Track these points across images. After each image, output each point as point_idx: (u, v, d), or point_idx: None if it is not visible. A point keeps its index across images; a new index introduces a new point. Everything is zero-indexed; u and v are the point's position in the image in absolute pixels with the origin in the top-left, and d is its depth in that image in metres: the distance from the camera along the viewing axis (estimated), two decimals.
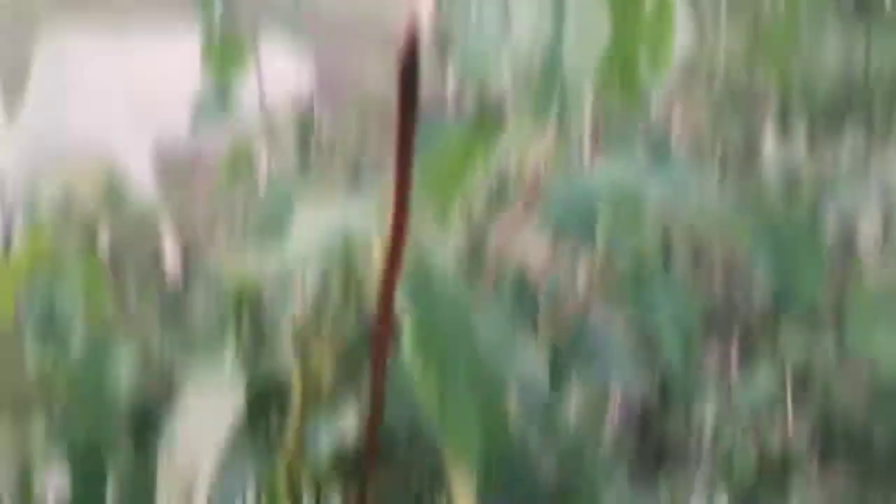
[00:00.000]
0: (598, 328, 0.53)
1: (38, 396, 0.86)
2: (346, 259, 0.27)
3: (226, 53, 0.88)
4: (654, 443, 0.74)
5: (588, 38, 0.34)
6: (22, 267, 0.57)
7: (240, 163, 0.99)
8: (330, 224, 0.27)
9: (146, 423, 0.61)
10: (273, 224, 0.49)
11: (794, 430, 0.76)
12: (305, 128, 0.92)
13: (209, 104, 0.81)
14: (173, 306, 0.66)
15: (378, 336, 0.25)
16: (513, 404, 0.35)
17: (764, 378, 0.79)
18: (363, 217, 0.26)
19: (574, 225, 0.48)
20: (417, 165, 0.46)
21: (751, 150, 1.07)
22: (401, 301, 0.25)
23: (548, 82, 0.36)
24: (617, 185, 0.39)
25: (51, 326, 0.64)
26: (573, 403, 0.56)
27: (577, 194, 0.41)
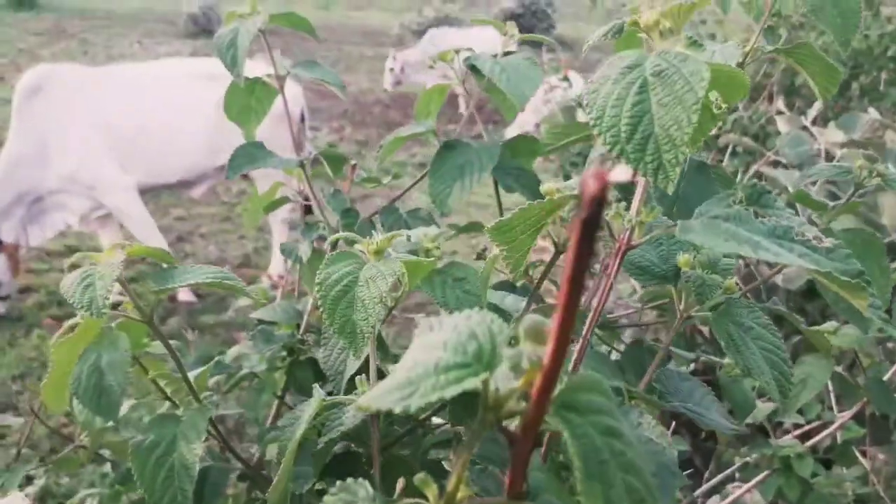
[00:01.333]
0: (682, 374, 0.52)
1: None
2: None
3: (248, 100, 0.87)
4: None
5: (680, 106, 0.33)
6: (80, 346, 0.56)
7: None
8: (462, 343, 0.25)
9: None
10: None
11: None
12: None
13: (246, 152, 0.80)
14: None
15: (519, 454, 0.24)
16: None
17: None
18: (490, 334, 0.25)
19: (658, 269, 0.47)
20: (494, 231, 0.44)
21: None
22: (555, 422, 0.23)
23: (641, 146, 0.35)
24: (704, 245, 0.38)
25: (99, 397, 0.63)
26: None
27: (665, 249, 0.40)
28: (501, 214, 0.91)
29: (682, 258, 0.47)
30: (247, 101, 0.88)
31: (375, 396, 0.24)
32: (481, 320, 0.26)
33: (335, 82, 0.88)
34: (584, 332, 0.44)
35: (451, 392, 0.23)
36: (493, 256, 0.53)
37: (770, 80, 3.54)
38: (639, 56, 0.37)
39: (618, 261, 0.42)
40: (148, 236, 3.95)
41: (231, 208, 5.79)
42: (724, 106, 0.40)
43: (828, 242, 0.38)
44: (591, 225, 0.21)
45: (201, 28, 13.28)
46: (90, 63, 10.97)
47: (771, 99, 3.54)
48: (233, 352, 1.18)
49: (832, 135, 2.07)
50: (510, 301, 0.66)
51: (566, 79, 4.47)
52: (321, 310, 0.47)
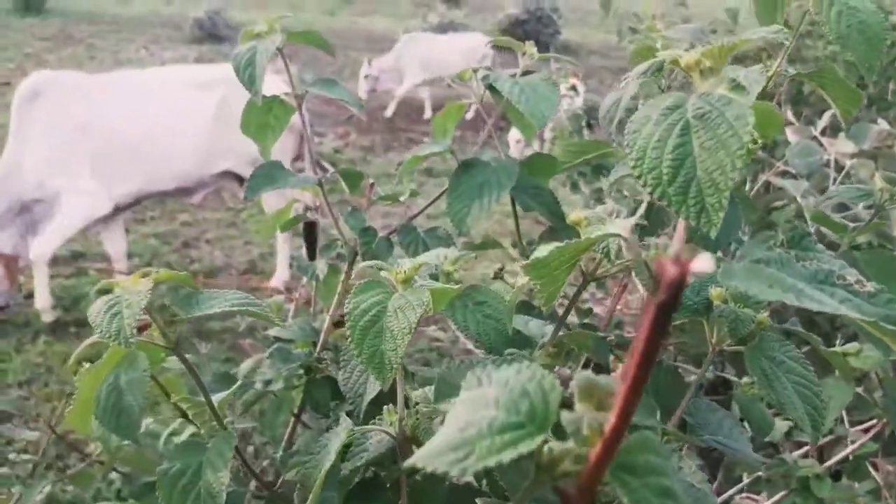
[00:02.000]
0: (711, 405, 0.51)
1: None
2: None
3: (266, 118, 0.87)
4: None
5: (724, 150, 0.33)
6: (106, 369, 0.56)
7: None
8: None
9: None
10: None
11: None
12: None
13: (266, 172, 0.80)
14: None
15: None
16: None
17: None
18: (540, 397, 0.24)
19: (690, 302, 0.46)
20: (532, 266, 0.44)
21: None
22: (612, 484, 0.23)
23: (683, 190, 0.35)
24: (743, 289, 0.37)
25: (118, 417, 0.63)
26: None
27: (697, 281, 0.40)
28: (518, 234, 0.91)
29: (715, 291, 0.47)
30: (264, 118, 0.88)
31: (429, 457, 0.24)
32: (532, 376, 0.26)
33: (353, 102, 0.88)
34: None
35: (508, 456, 0.23)
36: (520, 287, 0.53)
37: (778, 89, 3.53)
38: (680, 97, 0.37)
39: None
40: (55, 238, 3.86)
41: (237, 214, 5.80)
42: (759, 141, 0.40)
43: (869, 286, 0.38)
44: (668, 308, 0.21)
45: (207, 33, 13.33)
46: (97, 68, 11.03)
47: (779, 108, 3.53)
48: (245, 366, 1.18)
49: (842, 145, 2.06)
50: (534, 326, 0.66)
51: (574, 88, 4.47)
52: (350, 340, 0.47)
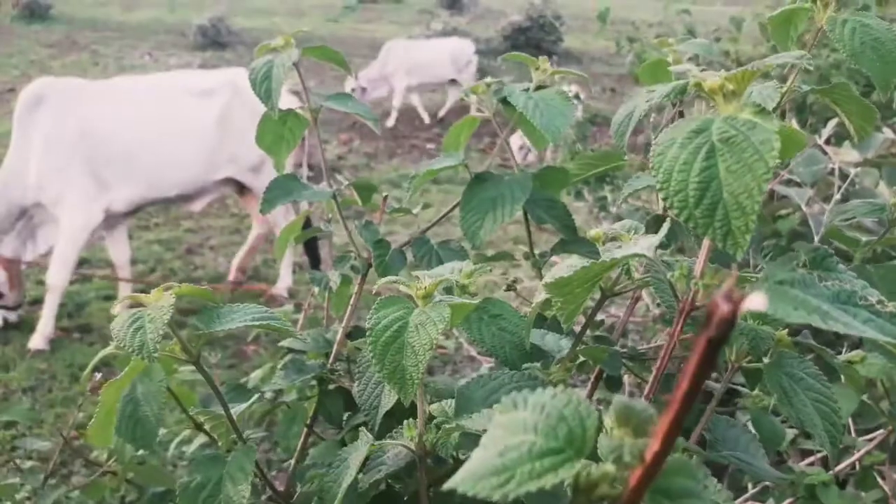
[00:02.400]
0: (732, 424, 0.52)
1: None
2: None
3: (281, 131, 0.88)
4: None
5: (750, 174, 0.33)
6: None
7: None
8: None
9: None
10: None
11: None
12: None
13: (282, 185, 0.81)
14: None
15: None
16: None
17: None
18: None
19: None
20: (553, 285, 0.45)
21: None
22: None
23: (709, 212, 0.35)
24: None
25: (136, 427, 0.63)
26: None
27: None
28: (531, 247, 0.92)
29: None
30: (279, 131, 0.89)
31: (470, 480, 0.24)
32: (568, 401, 0.26)
33: (368, 116, 0.89)
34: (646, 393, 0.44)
35: (550, 481, 0.23)
36: (538, 303, 0.53)
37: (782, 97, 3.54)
38: (705, 121, 0.38)
39: (681, 323, 0.43)
40: (64, 264, 3.88)
41: (241, 220, 5.81)
42: (779, 161, 0.40)
43: (891, 307, 0.39)
44: (718, 344, 0.21)
45: (211, 40, 13.40)
46: (101, 74, 11.08)
47: (783, 116, 3.54)
48: (255, 375, 1.18)
49: (846, 154, 2.07)
50: (550, 340, 0.66)
51: (577, 96, 4.48)
52: (371, 355, 0.48)
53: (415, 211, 0.94)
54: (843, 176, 1.94)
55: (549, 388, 0.27)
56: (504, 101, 0.85)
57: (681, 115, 0.84)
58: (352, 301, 0.91)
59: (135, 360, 0.55)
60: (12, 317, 4.20)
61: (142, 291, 2.97)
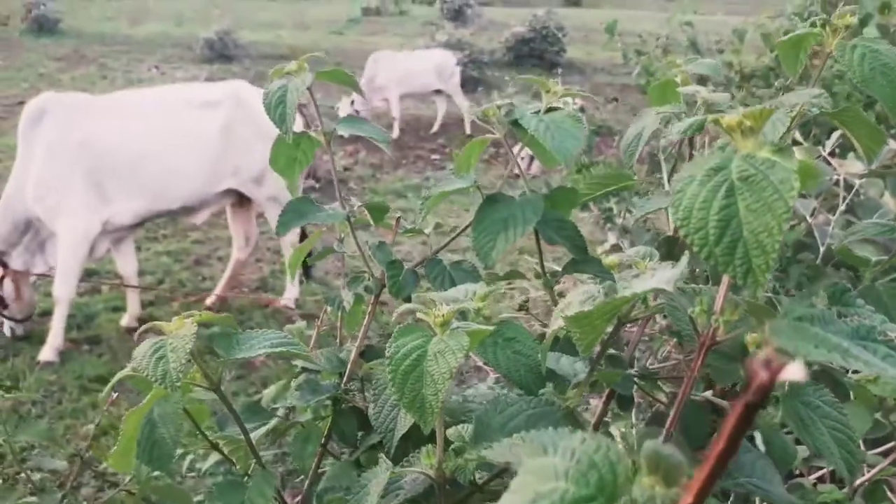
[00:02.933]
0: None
1: None
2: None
3: (294, 153, 0.90)
4: None
5: (770, 213, 0.34)
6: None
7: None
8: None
9: None
10: None
11: None
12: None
13: (297, 207, 0.82)
14: None
15: None
16: None
17: None
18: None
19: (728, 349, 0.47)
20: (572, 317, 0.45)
21: None
22: None
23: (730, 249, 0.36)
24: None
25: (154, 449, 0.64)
26: None
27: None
28: (542, 266, 0.92)
29: (751, 337, 0.48)
30: (293, 153, 0.91)
31: None
32: (598, 447, 0.27)
33: (381, 139, 0.90)
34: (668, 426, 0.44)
35: None
36: (555, 329, 0.54)
37: None
38: (724, 158, 0.38)
39: (701, 358, 0.43)
40: (67, 277, 3.90)
41: None
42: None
43: None
44: (755, 408, 0.22)
45: (217, 53, 13.52)
46: (109, 87, 11.19)
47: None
48: (268, 394, 1.19)
49: (851, 165, 2.07)
50: (565, 364, 0.66)
51: (582, 109, 4.51)
52: (391, 383, 0.48)
53: (427, 230, 0.95)
54: (848, 187, 1.95)
55: (578, 432, 0.27)
56: (515, 123, 0.86)
57: (690, 140, 0.85)
58: (365, 321, 0.91)
59: (156, 386, 0.56)
60: (19, 329, 4.22)
61: (150, 303, 3.04)
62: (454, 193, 0.90)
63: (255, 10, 21.32)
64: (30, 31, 15.88)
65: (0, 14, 17.28)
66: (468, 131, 9.01)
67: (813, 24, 0.64)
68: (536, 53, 13.51)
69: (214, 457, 0.94)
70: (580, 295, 0.52)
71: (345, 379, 0.90)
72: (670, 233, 0.81)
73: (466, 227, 0.90)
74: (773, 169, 0.36)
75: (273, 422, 0.74)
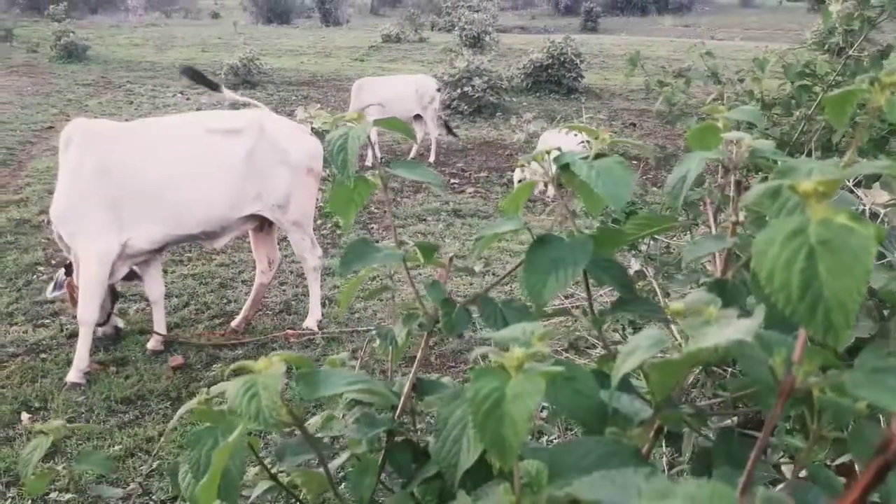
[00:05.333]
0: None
1: None
2: None
3: (351, 195, 0.94)
4: None
5: (850, 276, 0.37)
6: None
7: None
8: None
9: None
10: None
11: None
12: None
13: (357, 249, 0.87)
14: None
15: None
16: None
17: None
18: None
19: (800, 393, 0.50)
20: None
21: None
22: None
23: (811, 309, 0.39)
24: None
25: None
26: None
27: None
28: (591, 305, 0.95)
29: (814, 380, 0.51)
30: (349, 195, 0.95)
31: None
32: (713, 492, 0.30)
33: (435, 182, 0.94)
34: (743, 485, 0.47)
35: None
36: (621, 372, 0.57)
37: (807, 135, 3.57)
38: (800, 223, 0.42)
39: (781, 405, 0.46)
40: (88, 299, 3.99)
41: None
42: None
43: None
44: (888, 467, 0.25)
45: (242, 79, 13.83)
46: (135, 112, 11.48)
47: (810, 154, 3.56)
48: (315, 421, 1.22)
49: (876, 195, 2.08)
50: (625, 402, 0.69)
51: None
52: (472, 424, 0.51)
53: (476, 268, 0.99)
54: (874, 215, 1.96)
55: (691, 479, 0.30)
56: (565, 167, 0.90)
57: (738, 183, 0.88)
58: (419, 356, 0.95)
59: (245, 423, 0.60)
60: (99, 332, 4.40)
61: (176, 325, 3.11)
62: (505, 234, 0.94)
63: (278, 38, 21.83)
64: (59, 57, 16.40)
65: (30, 41, 17.89)
66: (432, 159, 9.15)
67: (846, 67, 0.66)
68: (554, 79, 13.65)
69: (263, 485, 0.97)
70: (645, 339, 0.55)
71: (398, 412, 0.93)
72: (718, 275, 0.84)
73: (517, 266, 0.93)
74: (851, 235, 0.39)
75: (344, 456, 0.78)
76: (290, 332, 4.61)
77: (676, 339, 0.82)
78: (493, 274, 4.96)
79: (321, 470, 0.90)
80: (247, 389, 0.57)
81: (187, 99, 12.90)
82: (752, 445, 0.82)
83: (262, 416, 0.55)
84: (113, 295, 4.44)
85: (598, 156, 0.90)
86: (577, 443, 0.58)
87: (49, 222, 4.54)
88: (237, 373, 0.61)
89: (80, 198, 3.98)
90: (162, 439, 3.47)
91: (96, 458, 1.01)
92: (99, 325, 4.35)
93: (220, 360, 4.22)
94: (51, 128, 10.60)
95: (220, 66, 14.46)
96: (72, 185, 3.99)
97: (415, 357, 0.94)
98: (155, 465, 3.34)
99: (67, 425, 1.04)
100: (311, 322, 4.62)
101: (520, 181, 7.66)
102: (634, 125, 11.56)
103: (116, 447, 3.52)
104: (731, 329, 0.46)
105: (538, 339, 0.71)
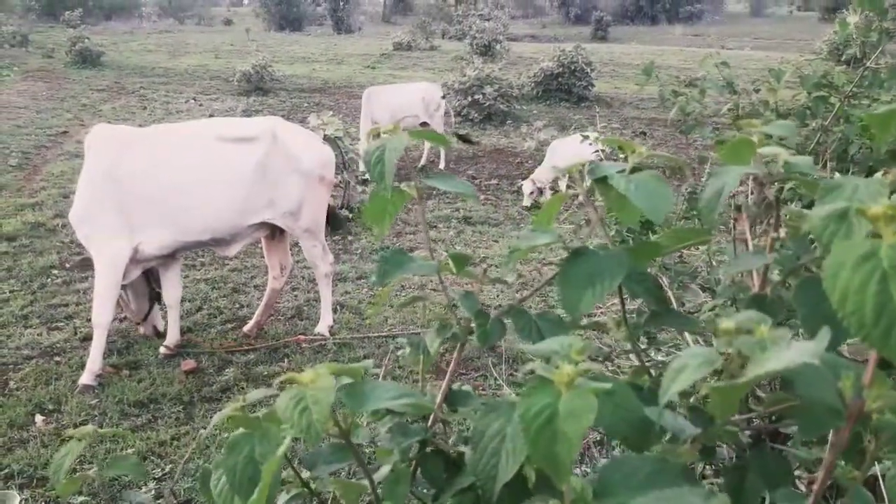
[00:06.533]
0: None
1: None
2: None
3: (386, 205, 0.95)
4: None
5: None
6: None
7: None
8: None
9: None
10: None
11: None
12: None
13: (394, 259, 0.87)
14: None
15: None
16: None
17: None
18: None
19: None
20: None
21: None
22: None
23: None
24: None
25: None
26: None
27: None
28: (625, 317, 0.95)
29: (880, 403, 0.50)
30: (385, 205, 0.96)
31: None
32: None
33: (469, 194, 0.95)
34: None
35: None
36: (672, 391, 0.57)
37: (822, 146, 3.56)
38: (871, 247, 0.42)
39: (850, 428, 0.46)
40: (102, 302, 4.04)
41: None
42: None
43: None
44: None
45: (254, 85, 13.94)
46: (148, 118, 11.58)
47: (825, 165, 3.54)
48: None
49: None
50: (669, 418, 0.69)
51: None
52: (525, 441, 0.52)
53: (509, 279, 0.99)
54: None
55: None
56: (602, 180, 0.90)
57: (777, 198, 0.88)
58: (451, 367, 0.95)
59: (294, 432, 0.60)
60: (140, 330, 4.57)
61: (189, 329, 3.13)
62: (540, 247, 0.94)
63: (290, 45, 21.99)
64: (73, 63, 16.59)
65: (45, 47, 18.12)
66: (441, 166, 9.24)
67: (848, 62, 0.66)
68: (564, 88, 13.67)
69: (292, 491, 0.97)
70: (693, 358, 0.55)
71: (430, 422, 0.93)
72: (756, 290, 0.84)
73: (551, 278, 0.94)
74: None
75: (386, 468, 0.78)
76: (301, 337, 4.62)
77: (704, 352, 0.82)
78: (504, 281, 4.96)
79: (356, 480, 0.90)
80: (297, 403, 0.57)
81: (200, 105, 13.00)
82: (783, 460, 0.81)
83: (312, 430, 0.56)
84: (154, 297, 4.52)
85: (634, 169, 0.90)
86: (622, 460, 0.58)
87: (65, 225, 4.61)
88: (282, 385, 0.62)
89: (93, 202, 4.04)
90: (136, 433, 3.47)
91: (128, 463, 1.02)
92: (137, 323, 4.48)
93: (232, 365, 4.23)
94: (65, 132, 10.71)
95: (232, 73, 14.58)
96: (85, 190, 4.05)
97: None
98: (168, 468, 3.35)
99: (99, 430, 1.04)
100: (322, 327, 4.63)
101: (531, 193, 7.68)
102: (645, 134, 11.55)
103: (129, 450, 3.53)
104: (795, 352, 0.46)
105: (577, 352, 0.71)
